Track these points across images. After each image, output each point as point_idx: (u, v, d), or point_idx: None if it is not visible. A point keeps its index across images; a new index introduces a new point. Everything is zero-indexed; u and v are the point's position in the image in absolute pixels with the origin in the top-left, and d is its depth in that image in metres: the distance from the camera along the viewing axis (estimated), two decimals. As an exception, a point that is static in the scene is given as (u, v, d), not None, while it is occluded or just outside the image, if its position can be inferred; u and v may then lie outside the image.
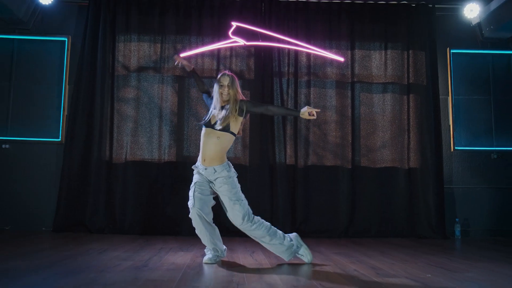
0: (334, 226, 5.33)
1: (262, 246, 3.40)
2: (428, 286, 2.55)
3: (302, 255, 3.39)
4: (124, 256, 3.50)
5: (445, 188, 5.48)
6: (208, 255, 3.33)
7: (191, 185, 3.33)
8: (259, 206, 5.12)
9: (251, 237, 3.31)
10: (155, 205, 5.20)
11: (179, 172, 5.27)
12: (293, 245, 3.36)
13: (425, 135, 5.50)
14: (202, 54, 5.48)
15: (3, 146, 5.30)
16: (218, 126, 3.20)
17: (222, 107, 3.29)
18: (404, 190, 5.48)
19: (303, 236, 5.02)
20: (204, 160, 3.24)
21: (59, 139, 5.35)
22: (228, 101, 3.29)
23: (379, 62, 5.65)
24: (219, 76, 3.35)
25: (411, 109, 5.57)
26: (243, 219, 3.20)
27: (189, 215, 3.28)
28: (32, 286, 2.35)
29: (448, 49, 5.82)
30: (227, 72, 3.40)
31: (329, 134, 5.50)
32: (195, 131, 5.35)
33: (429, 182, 5.43)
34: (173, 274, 2.79)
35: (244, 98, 3.43)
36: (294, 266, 3.28)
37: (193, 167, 3.40)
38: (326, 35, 5.64)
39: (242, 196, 3.28)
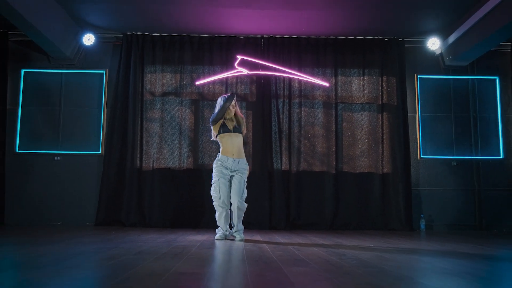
0: (321, 221, 6.56)
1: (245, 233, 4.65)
2: (362, 246, 3.77)
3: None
4: (157, 236, 4.79)
5: (412, 190, 6.69)
6: (219, 233, 4.61)
7: (215, 179, 4.55)
8: (260, 204, 6.41)
9: (236, 209, 4.52)
10: (177, 204, 6.48)
11: (196, 177, 6.55)
12: None
13: (396, 146, 6.72)
14: (214, 82, 6.78)
15: (56, 158, 6.64)
16: (240, 130, 4.65)
17: (229, 119, 4.66)
18: (379, 191, 6.69)
19: (296, 228, 6.36)
20: (233, 154, 4.56)
21: (100, 152, 6.68)
22: (234, 115, 4.69)
23: (358, 86, 6.90)
24: (227, 95, 4.74)
25: (384, 125, 6.80)
26: (244, 196, 4.53)
27: (214, 204, 4.55)
28: (94, 251, 3.61)
29: (415, 75, 7.07)
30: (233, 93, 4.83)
31: (317, 145, 6.75)
32: (208, 144, 6.63)
33: (399, 185, 6.64)
34: (195, 243, 4.06)
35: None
36: (282, 240, 4.51)
37: (217, 162, 4.61)
38: (314, 64, 6.92)
39: None
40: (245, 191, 4.59)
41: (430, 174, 6.91)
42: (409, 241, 4.85)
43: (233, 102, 4.69)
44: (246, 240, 4.50)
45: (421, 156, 6.92)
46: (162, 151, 6.62)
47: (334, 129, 6.78)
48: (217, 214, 4.59)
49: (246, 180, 4.62)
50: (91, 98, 6.82)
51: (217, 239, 4.54)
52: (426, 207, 6.81)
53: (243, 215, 4.61)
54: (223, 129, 4.64)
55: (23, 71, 6.81)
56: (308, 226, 6.52)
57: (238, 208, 4.50)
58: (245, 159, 4.68)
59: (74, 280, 2.29)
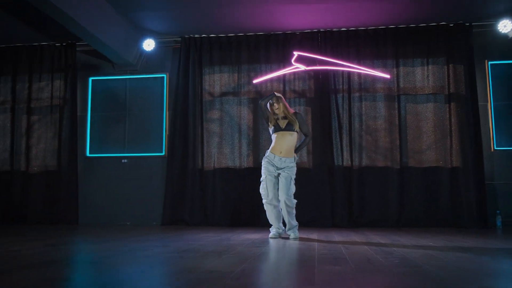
0: (385, 218, 6.31)
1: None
2: (419, 245, 3.55)
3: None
4: (213, 234, 4.87)
5: (486, 184, 6.25)
6: (272, 231, 4.57)
7: (263, 177, 4.58)
8: (320, 202, 6.30)
9: (284, 206, 4.43)
10: (237, 202, 6.53)
11: (256, 175, 6.53)
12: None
13: (466, 137, 6.31)
14: (271, 79, 6.74)
15: (123, 161, 6.94)
16: (293, 128, 4.58)
17: (283, 117, 4.61)
18: (448, 186, 6.32)
19: (360, 226, 6.18)
20: (281, 152, 4.52)
21: (163, 153, 6.88)
22: (282, 113, 4.62)
23: (421, 76, 6.56)
24: (270, 97, 4.72)
25: (452, 116, 6.41)
26: (291, 192, 4.45)
27: (263, 202, 4.55)
28: (149, 247, 3.70)
29: (486, 61, 6.60)
30: (275, 93, 4.75)
31: (380, 140, 6.51)
32: (267, 142, 6.61)
33: (471, 179, 6.23)
34: (245, 242, 4.06)
35: (296, 111, 4.78)
36: (341, 237, 4.38)
37: (264, 159, 4.63)
38: (374, 56, 6.67)
39: None
40: (293, 187, 4.51)
41: (506, 167, 6.42)
42: (476, 239, 4.52)
43: (272, 101, 4.63)
44: (300, 239, 4.43)
45: (495, 148, 6.45)
46: (222, 151, 6.70)
47: (397, 123, 6.50)
48: (267, 213, 4.59)
49: (294, 177, 4.55)
50: (154, 102, 7.05)
51: (270, 238, 4.51)
52: (503, 203, 6.34)
53: (294, 212, 4.53)
54: (276, 127, 4.62)
55: (90, 79, 7.18)
56: (371, 223, 6.30)
57: (286, 204, 4.43)
58: (293, 158, 4.60)
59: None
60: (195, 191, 6.62)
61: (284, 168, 4.52)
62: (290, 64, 6.63)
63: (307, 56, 6.60)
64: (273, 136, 4.65)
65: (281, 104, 4.63)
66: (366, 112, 6.58)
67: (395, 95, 6.56)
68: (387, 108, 6.56)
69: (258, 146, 6.68)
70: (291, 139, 4.58)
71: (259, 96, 6.75)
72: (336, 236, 4.80)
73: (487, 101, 6.55)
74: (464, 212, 6.20)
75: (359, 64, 6.61)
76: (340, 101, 6.64)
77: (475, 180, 6.23)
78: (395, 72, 6.60)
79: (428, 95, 6.53)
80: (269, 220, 4.63)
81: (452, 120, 6.42)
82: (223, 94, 6.84)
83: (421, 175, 6.41)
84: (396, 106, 6.54)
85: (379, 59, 6.68)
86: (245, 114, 6.75)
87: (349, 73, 6.66)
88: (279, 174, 4.53)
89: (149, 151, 6.94)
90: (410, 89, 6.59)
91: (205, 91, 6.86)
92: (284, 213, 4.49)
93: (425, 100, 6.54)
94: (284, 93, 6.70)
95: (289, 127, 4.58)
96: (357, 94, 6.63)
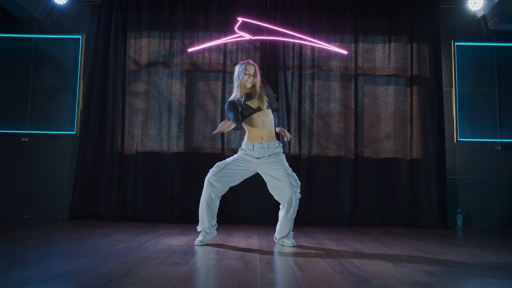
0: (336, 215, 5.48)
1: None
2: (389, 258, 2.70)
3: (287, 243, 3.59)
4: (124, 239, 3.75)
5: (448, 179, 5.57)
6: (199, 237, 3.57)
7: (228, 159, 3.57)
8: (264, 195, 5.33)
9: (292, 211, 3.47)
10: (165, 194, 5.45)
11: (188, 162, 5.51)
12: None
13: (428, 126, 5.59)
14: (210, 49, 5.68)
15: (23, 139, 5.63)
16: (264, 107, 3.51)
17: (248, 94, 3.54)
18: (407, 180, 5.58)
19: (306, 224, 5.27)
20: (262, 138, 3.48)
21: (74, 132, 5.65)
22: (251, 88, 3.54)
23: (382, 55, 5.75)
24: (244, 66, 3.55)
25: (414, 101, 5.66)
26: (295, 187, 3.46)
27: (206, 179, 3.50)
28: (21, 264, 2.60)
29: (452, 41, 5.87)
30: (251, 61, 3.63)
31: (333, 126, 5.65)
32: (203, 123, 5.58)
33: (431, 173, 5.52)
34: (161, 253, 3.01)
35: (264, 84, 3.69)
36: (280, 248, 3.45)
37: (242, 149, 3.59)
38: (330, 30, 5.76)
39: None
40: (294, 175, 3.53)
41: (468, 160, 5.76)
42: (449, 243, 3.75)
43: (253, 70, 3.54)
44: (238, 248, 3.43)
45: (458, 139, 5.77)
46: (147, 131, 5.58)
47: (353, 106, 5.65)
48: (202, 203, 3.52)
49: (287, 164, 3.56)
50: (65, 69, 5.77)
51: (197, 245, 3.50)
52: (464, 200, 5.68)
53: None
54: (247, 111, 3.52)
55: (-15, 36, 5.79)
56: (320, 221, 5.44)
57: (294, 206, 3.48)
58: (276, 142, 3.60)
59: None
60: (112, 179, 5.46)
61: (269, 157, 3.50)
62: (233, 32, 5.59)
63: (253, 23, 5.59)
64: (246, 124, 3.57)
65: (258, 76, 3.57)
66: (318, 92, 5.69)
67: (352, 75, 5.71)
68: (343, 89, 5.69)
69: (191, 128, 5.61)
70: (269, 119, 3.57)
71: (194, 68, 5.66)
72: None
73: (452, 86, 5.84)
74: (423, 209, 5.49)
75: (313, 36, 5.68)
76: (289, 78, 5.70)
77: (436, 174, 5.52)
78: (353, 48, 5.74)
79: (389, 77, 5.72)
80: (200, 216, 3.56)
81: (414, 106, 5.66)
82: (151, 63, 5.69)
83: (377, 166, 5.62)
84: (353, 87, 5.69)
85: (336, 33, 5.78)
86: (177, 89, 5.65)
87: (301, 46, 5.72)
88: (260, 164, 3.53)
89: (57, 128, 5.68)
90: (369, 69, 5.75)
91: (129, 58, 5.68)
92: (288, 217, 3.50)
93: (385, 82, 5.73)
94: (224, 66, 5.66)
95: (262, 106, 3.54)
96: (309, 72, 5.71)
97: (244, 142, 3.60)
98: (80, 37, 5.79)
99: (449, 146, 5.72)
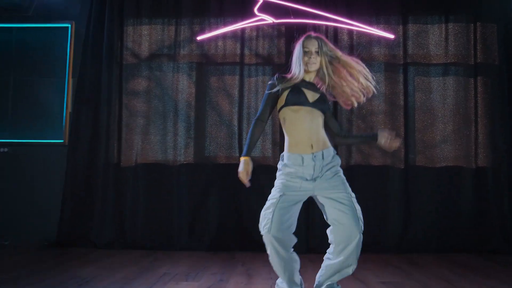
0: (384, 239, 4.40)
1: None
2: None
3: None
4: (116, 277, 2.84)
5: (523, 193, 4.43)
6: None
7: (275, 195, 2.39)
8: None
9: (354, 248, 2.39)
10: (170, 215, 4.46)
11: (198, 175, 4.50)
12: None
13: (497, 126, 4.46)
14: (224, 36, 4.65)
15: (1, 150, 4.70)
16: (321, 106, 2.48)
17: (309, 83, 2.50)
18: (472, 194, 4.46)
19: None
20: (312, 146, 2.40)
21: (63, 141, 4.68)
22: (316, 72, 2.52)
23: (438, 39, 4.62)
24: (302, 42, 2.49)
25: (479, 95, 4.53)
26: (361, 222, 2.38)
27: (263, 238, 2.37)
28: None
29: (526, 19, 4.70)
30: (313, 33, 2.54)
31: (377, 128, 4.55)
32: (216, 127, 4.57)
33: (503, 184, 4.41)
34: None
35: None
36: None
37: (281, 165, 2.48)
38: (372, 9, 4.66)
39: None
40: (358, 208, 2.43)
41: (549, 169, 4.59)
42: None
43: (315, 46, 2.47)
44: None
45: (536, 142, 4.61)
46: (149, 138, 4.58)
47: (402, 103, 4.55)
48: (270, 257, 2.39)
49: (349, 189, 2.46)
50: (52, 64, 4.80)
51: None
52: (544, 219, 4.52)
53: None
54: (296, 98, 2.45)
55: (-41, 27, 4.87)
56: (363, 247, 4.31)
57: (357, 244, 2.38)
58: (331, 147, 2.50)
59: None
60: (107, 197, 4.49)
61: (324, 173, 2.40)
62: (252, 15, 4.55)
63: (277, 3, 4.54)
64: (288, 116, 2.49)
65: (323, 56, 2.48)
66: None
67: (400, 64, 4.60)
68: (389, 81, 4.60)
69: (203, 133, 4.60)
70: (320, 122, 2.49)
71: (206, 60, 4.64)
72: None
73: (526, 76, 4.68)
74: (495, 230, 4.37)
75: (350, 18, 4.58)
76: (322, 70, 4.61)
77: (509, 185, 4.39)
78: (401, 32, 4.62)
79: (447, 66, 4.59)
80: (274, 269, 2.44)
81: (479, 101, 4.53)
82: (153, 56, 4.69)
83: (433, 177, 4.51)
84: (402, 80, 4.58)
85: (380, 14, 4.67)
86: (184, 86, 4.63)
87: (336, 30, 4.64)
88: (314, 187, 2.42)
89: (42, 136, 4.71)
90: (421, 57, 4.63)
91: (127, 50, 4.70)
92: (342, 263, 2.41)
93: (441, 72, 4.60)
94: (241, 57, 4.62)
95: (320, 104, 2.48)
96: (346, 61, 4.62)
97: (284, 153, 2.50)
98: (69, 25, 4.81)
99: (524, 151, 4.57)
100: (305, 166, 2.38)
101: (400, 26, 4.62)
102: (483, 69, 4.54)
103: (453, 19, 4.61)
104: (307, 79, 2.50)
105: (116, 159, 4.56)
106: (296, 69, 2.46)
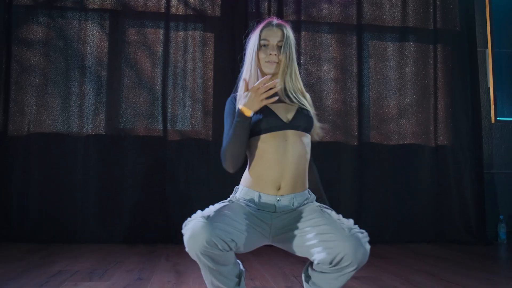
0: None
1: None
2: None
3: None
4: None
5: (484, 174, 3.97)
6: None
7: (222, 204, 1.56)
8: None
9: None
10: (73, 199, 3.52)
11: (110, 149, 3.60)
12: None
13: (458, 99, 3.98)
14: (146, -18, 3.79)
15: None
16: (301, 123, 1.67)
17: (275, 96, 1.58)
18: (430, 175, 3.94)
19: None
20: (280, 186, 1.58)
21: None
22: (279, 75, 1.67)
23: (395, 0, 4.07)
24: (260, 30, 1.67)
25: (439, 64, 4.02)
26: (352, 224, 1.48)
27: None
28: None
29: (486, -16, 4.28)
30: (274, 19, 1.68)
31: (327, 98, 3.91)
32: (134, 91, 3.70)
33: (465, 166, 3.92)
34: None
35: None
36: None
37: (234, 200, 1.63)
38: (322, -39, 4.02)
39: None
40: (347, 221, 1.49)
41: (510, 148, 4.18)
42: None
43: (273, 38, 1.63)
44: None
45: (497, 118, 4.17)
46: (47, 102, 3.60)
47: (355, 70, 3.94)
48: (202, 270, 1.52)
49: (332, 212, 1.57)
50: None
51: None
52: (506, 203, 4.10)
53: None
54: (268, 120, 1.60)
55: None
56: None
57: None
58: (306, 190, 1.66)
59: None
60: (-12, 176, 3.48)
61: (297, 224, 1.55)
62: (181, -42, 3.73)
63: None
64: (253, 147, 1.63)
65: (293, 49, 1.68)
66: (305, 50, 3.93)
67: (353, 26, 3.99)
68: (341, 45, 3.97)
69: (117, 98, 3.70)
70: (301, 149, 1.62)
71: (121, 8, 3.75)
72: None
73: (486, 47, 4.25)
74: (455, 217, 3.87)
75: (298, -31, 3.91)
76: (264, 28, 3.89)
77: (471, 167, 3.92)
78: (355, -11, 4.02)
79: (405, 29, 4.05)
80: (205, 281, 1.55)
81: (439, 71, 4.03)
82: (56, -1, 3.73)
83: (388, 156, 3.94)
84: (355, 44, 3.97)
85: (330, -34, 4.04)
86: (95, 38, 3.71)
87: (281, -18, 3.94)
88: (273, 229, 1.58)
89: None
90: (377, 18, 4.05)
91: (19, -10, 3.70)
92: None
93: (399, 37, 4.05)
94: (168, 6, 3.78)
95: (300, 121, 1.66)
96: (292, 18, 3.93)
97: (240, 186, 1.66)
98: None
99: (484, 128, 4.12)
100: (262, 206, 1.58)
101: (355, -18, 4.02)
102: (444, 36, 4.05)
103: (412, -22, 4.08)
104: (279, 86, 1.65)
105: (2, 126, 3.53)
106: (247, 73, 1.67)
